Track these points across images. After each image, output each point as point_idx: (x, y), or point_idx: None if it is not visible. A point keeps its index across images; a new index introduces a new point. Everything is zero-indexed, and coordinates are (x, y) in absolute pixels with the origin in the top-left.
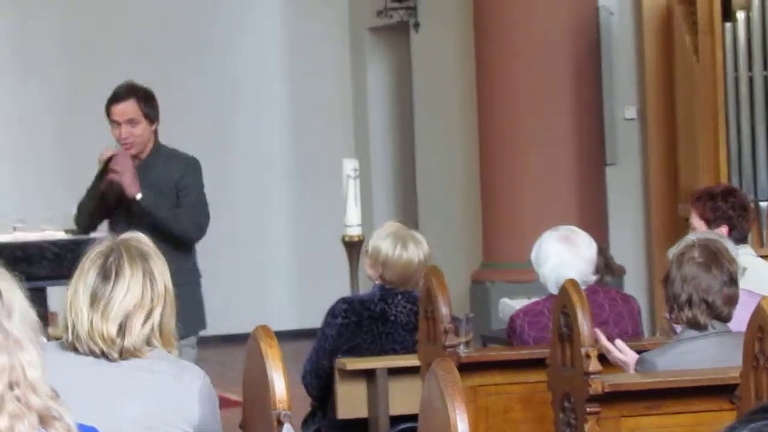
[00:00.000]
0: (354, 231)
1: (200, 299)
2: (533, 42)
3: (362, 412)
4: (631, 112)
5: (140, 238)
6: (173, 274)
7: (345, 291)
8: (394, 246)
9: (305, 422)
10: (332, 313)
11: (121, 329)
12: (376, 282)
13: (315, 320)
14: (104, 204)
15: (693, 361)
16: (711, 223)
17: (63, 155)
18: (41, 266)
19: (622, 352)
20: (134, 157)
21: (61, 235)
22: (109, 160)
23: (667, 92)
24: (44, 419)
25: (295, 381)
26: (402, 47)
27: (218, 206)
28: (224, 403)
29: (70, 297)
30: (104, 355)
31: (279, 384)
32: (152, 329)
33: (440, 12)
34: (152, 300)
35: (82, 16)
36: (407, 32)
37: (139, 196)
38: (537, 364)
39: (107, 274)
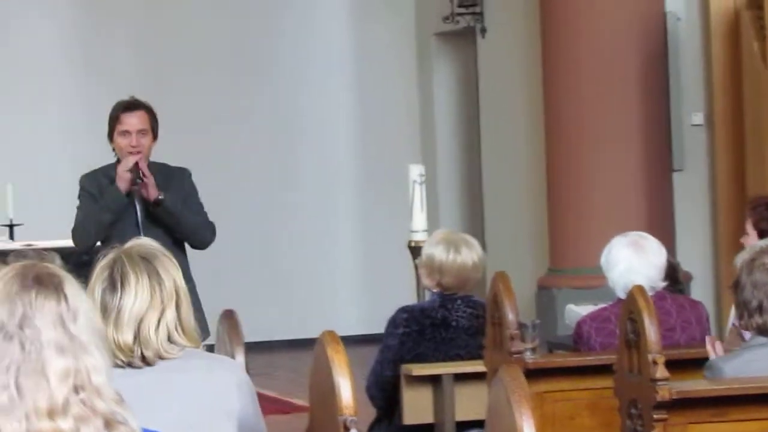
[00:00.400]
0: (420, 236)
1: (200, 306)
2: (600, 47)
3: (428, 418)
4: (699, 117)
5: (142, 242)
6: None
7: (411, 296)
8: (447, 251)
9: (371, 428)
10: (393, 324)
11: (137, 336)
12: (434, 290)
13: (381, 325)
14: (120, 214)
15: (761, 369)
16: (764, 233)
17: None
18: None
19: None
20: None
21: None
22: (135, 166)
23: (734, 98)
24: (109, 423)
25: (361, 386)
26: (468, 52)
27: (284, 212)
28: (295, 409)
29: None
30: (129, 365)
31: (345, 390)
32: (169, 328)
33: (507, 17)
34: (162, 300)
35: (156, 24)
36: (474, 37)
37: (161, 196)
38: (603, 370)
39: (113, 284)
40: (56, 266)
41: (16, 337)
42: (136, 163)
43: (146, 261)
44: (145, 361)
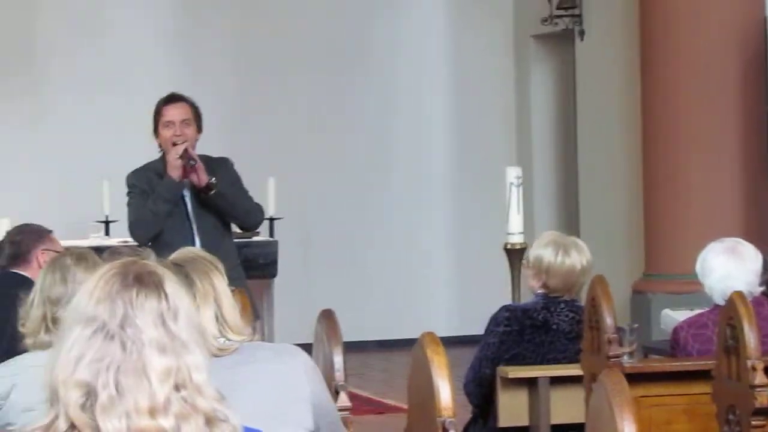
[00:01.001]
0: (516, 239)
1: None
2: (699, 51)
3: (523, 421)
4: None
5: (182, 250)
6: (230, 269)
7: (506, 298)
8: (556, 253)
9: (466, 429)
10: (494, 322)
11: None
12: (539, 291)
13: (476, 327)
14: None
15: None
16: None
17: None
18: None
19: None
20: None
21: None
22: (185, 152)
23: None
24: (210, 421)
25: (456, 388)
26: (566, 55)
27: (380, 212)
28: (389, 409)
29: None
30: None
31: (444, 391)
32: (210, 329)
33: (605, 20)
34: (195, 301)
35: (255, 26)
36: (572, 40)
37: (213, 180)
38: (701, 375)
39: None
40: (155, 263)
41: (117, 337)
42: (186, 150)
43: (179, 266)
44: None
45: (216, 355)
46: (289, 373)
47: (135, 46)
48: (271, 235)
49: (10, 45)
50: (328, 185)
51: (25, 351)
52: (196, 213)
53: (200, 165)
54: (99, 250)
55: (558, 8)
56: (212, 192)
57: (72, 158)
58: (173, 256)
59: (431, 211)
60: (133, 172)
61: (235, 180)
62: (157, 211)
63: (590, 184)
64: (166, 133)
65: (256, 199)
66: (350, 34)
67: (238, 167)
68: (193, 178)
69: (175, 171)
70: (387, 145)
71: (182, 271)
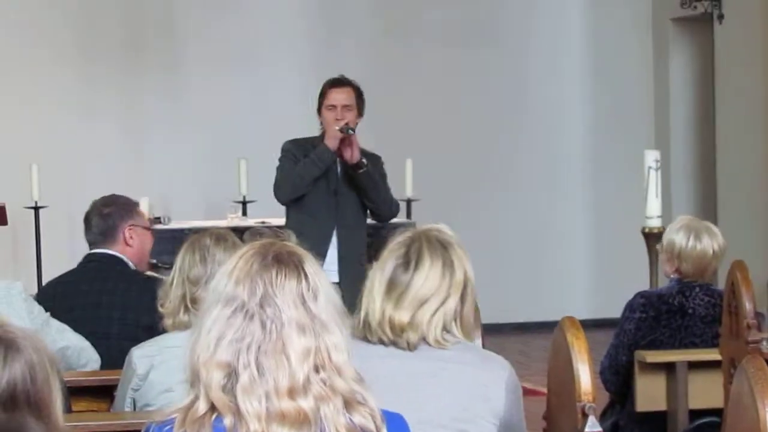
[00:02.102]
0: (654, 222)
1: None
2: None
3: (661, 405)
4: None
5: (441, 228)
6: (358, 254)
7: (644, 282)
8: (688, 237)
9: (603, 413)
10: (630, 308)
11: (413, 319)
12: (673, 276)
13: (614, 310)
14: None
15: None
16: None
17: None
18: None
19: None
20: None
21: None
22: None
23: None
24: (349, 403)
25: (595, 372)
26: (705, 38)
27: (517, 193)
28: (526, 393)
29: (368, 286)
30: (393, 344)
31: (585, 376)
32: (446, 318)
33: (745, 3)
34: (449, 288)
35: (393, 4)
36: (711, 23)
37: (364, 160)
38: None
39: (407, 263)
40: (295, 244)
41: (257, 316)
42: (347, 123)
43: (443, 248)
44: (409, 345)
45: (430, 345)
46: (489, 385)
47: (273, 22)
48: (408, 216)
49: (146, 20)
50: (465, 166)
51: (164, 331)
52: (342, 190)
53: (356, 139)
54: (238, 230)
55: None
56: (361, 171)
57: (209, 137)
58: (434, 231)
59: (568, 194)
60: (291, 140)
61: (383, 175)
62: (305, 174)
63: (728, 168)
64: (328, 115)
65: (395, 180)
66: (486, 12)
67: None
68: (347, 153)
69: (332, 141)
70: (523, 126)
71: (445, 252)
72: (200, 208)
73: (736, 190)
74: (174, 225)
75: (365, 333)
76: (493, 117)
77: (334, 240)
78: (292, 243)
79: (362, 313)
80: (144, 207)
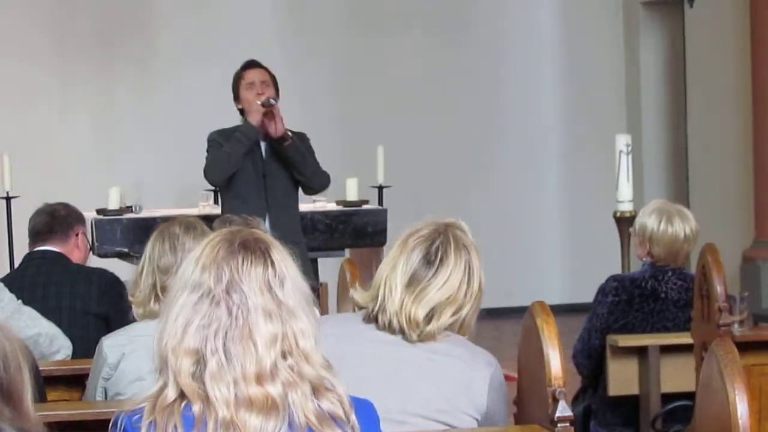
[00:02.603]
0: (626, 207)
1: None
2: None
3: (633, 390)
4: None
5: (463, 227)
6: (293, 233)
7: (616, 266)
8: (659, 221)
9: (576, 398)
10: (603, 292)
11: (429, 316)
12: (645, 260)
13: (586, 295)
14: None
15: None
16: None
17: (342, 135)
18: (313, 238)
19: None
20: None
21: (332, 206)
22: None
23: None
24: (317, 389)
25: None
26: (676, 22)
27: (490, 179)
28: None
29: (387, 270)
30: (402, 333)
31: (555, 361)
32: (455, 321)
33: None
34: (466, 296)
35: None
36: (681, 7)
37: (289, 132)
38: None
39: (431, 259)
40: (263, 232)
41: (224, 302)
42: (267, 97)
43: (466, 250)
44: (419, 339)
45: (422, 340)
46: (474, 379)
47: (243, 15)
48: (380, 203)
49: (119, 12)
50: (437, 152)
51: (134, 320)
52: (269, 171)
53: (278, 111)
54: (208, 219)
55: None
56: (287, 143)
57: (180, 127)
58: (460, 231)
59: (541, 178)
60: (215, 131)
61: (310, 150)
62: (232, 152)
63: (700, 152)
64: (248, 93)
65: (367, 167)
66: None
67: (347, 133)
68: (271, 127)
69: (255, 115)
70: (496, 110)
71: (468, 257)
72: (171, 197)
73: (708, 174)
74: (145, 214)
75: (379, 314)
76: (466, 102)
77: (266, 222)
78: (261, 230)
79: (380, 296)
80: (115, 196)
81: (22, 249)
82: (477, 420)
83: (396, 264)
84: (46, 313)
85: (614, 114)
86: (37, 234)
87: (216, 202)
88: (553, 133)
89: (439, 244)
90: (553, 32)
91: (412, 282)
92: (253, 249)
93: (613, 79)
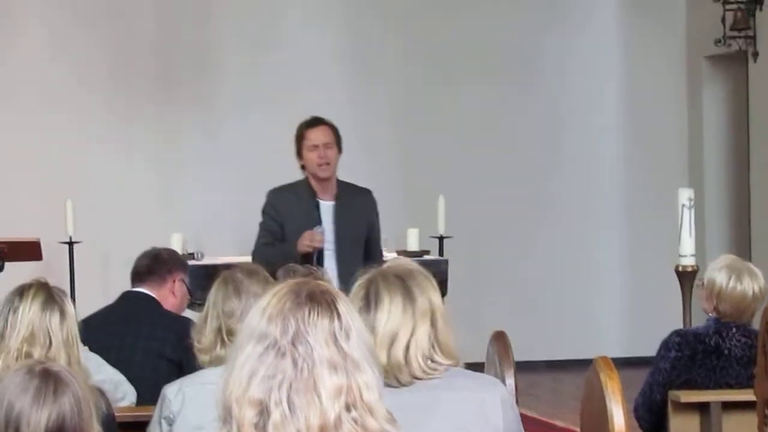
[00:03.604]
0: (688, 261)
1: None
2: None
3: None
4: None
5: (400, 261)
6: None
7: (677, 320)
8: (729, 278)
9: None
10: (666, 346)
11: (390, 356)
12: (711, 315)
13: (646, 349)
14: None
15: None
16: None
17: (403, 184)
18: None
19: None
20: (325, 180)
21: (392, 256)
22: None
23: None
24: None
25: (628, 410)
26: (740, 76)
27: (551, 230)
28: (557, 431)
29: None
30: (386, 384)
31: (618, 416)
32: (422, 347)
33: None
34: (413, 318)
35: (426, 41)
36: (746, 61)
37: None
38: None
39: (368, 303)
40: (328, 283)
41: (289, 354)
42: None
43: (400, 280)
44: (400, 382)
45: (420, 378)
46: (485, 403)
47: (307, 62)
48: (441, 253)
49: (182, 56)
50: (499, 203)
51: (199, 368)
52: (337, 227)
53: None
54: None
55: (731, 29)
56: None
57: (241, 173)
58: (390, 265)
59: (602, 231)
60: (275, 190)
61: (374, 225)
62: (272, 262)
63: (762, 207)
64: (311, 155)
65: (427, 217)
66: (523, 50)
67: (409, 183)
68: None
69: (302, 248)
70: (557, 162)
71: (403, 284)
72: (232, 244)
73: None
74: (207, 261)
75: None
76: (528, 153)
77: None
78: (325, 281)
79: None
80: (177, 243)
81: (83, 293)
82: None
83: None
84: (122, 349)
85: (677, 167)
86: (136, 275)
87: None
88: (615, 185)
89: (372, 288)
90: (617, 85)
91: None
92: (320, 301)
93: (675, 132)
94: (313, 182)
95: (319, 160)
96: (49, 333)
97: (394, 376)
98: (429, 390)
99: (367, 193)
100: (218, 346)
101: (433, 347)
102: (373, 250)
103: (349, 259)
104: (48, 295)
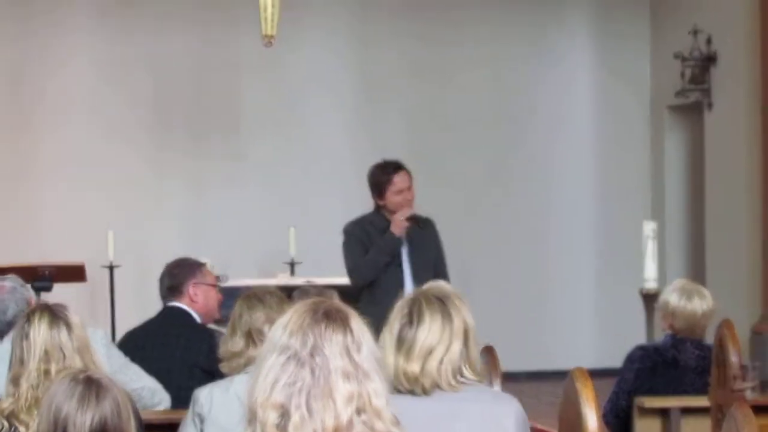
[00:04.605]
0: (651, 284)
1: None
2: None
3: None
4: None
5: (438, 285)
6: None
7: (641, 336)
8: (680, 298)
9: None
10: (630, 359)
11: (423, 369)
12: (667, 331)
13: (614, 360)
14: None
15: None
16: None
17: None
18: None
19: None
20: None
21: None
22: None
23: None
24: None
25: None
26: (697, 123)
27: (538, 257)
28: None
29: (380, 345)
30: (410, 392)
31: (592, 421)
32: (453, 362)
33: (732, 93)
34: (450, 336)
35: (422, 96)
36: (702, 110)
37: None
38: None
39: (411, 320)
40: (340, 302)
41: (308, 364)
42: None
43: (440, 301)
44: (425, 391)
45: (444, 390)
46: (501, 417)
47: (323, 126)
48: None
49: (216, 108)
50: (490, 234)
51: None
52: (410, 261)
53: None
54: (287, 289)
55: (689, 83)
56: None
57: (265, 210)
58: (430, 288)
59: (577, 258)
60: (352, 222)
61: (439, 244)
62: (377, 262)
63: (716, 238)
64: (397, 198)
65: None
66: (509, 97)
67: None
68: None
69: (399, 229)
70: (536, 196)
71: (442, 305)
72: (255, 268)
73: (723, 257)
74: (231, 283)
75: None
76: (518, 195)
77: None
78: (336, 300)
79: None
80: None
81: (122, 311)
82: None
83: (384, 339)
84: (160, 359)
85: (642, 202)
86: (162, 297)
87: (292, 273)
88: (588, 218)
89: (416, 307)
90: (590, 130)
91: (400, 345)
92: (335, 318)
93: (641, 172)
94: (387, 215)
95: (405, 203)
96: (60, 347)
97: (421, 385)
98: (454, 401)
99: (430, 222)
100: (249, 348)
101: (463, 364)
102: (442, 272)
103: (424, 280)
104: (52, 314)
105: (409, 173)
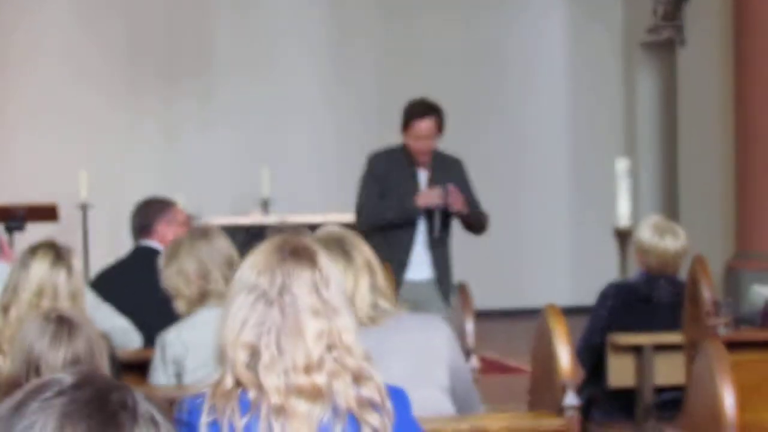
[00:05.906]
0: (624, 222)
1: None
2: None
3: (630, 382)
4: None
5: (330, 228)
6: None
7: (615, 273)
8: (653, 236)
9: (579, 389)
10: (604, 296)
11: None
12: (641, 268)
13: (588, 298)
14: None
15: None
16: None
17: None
18: None
19: None
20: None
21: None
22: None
23: None
24: (358, 378)
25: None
26: (669, 60)
27: (512, 196)
28: (510, 369)
29: None
30: None
31: (565, 357)
32: (365, 296)
33: (705, 30)
34: (355, 274)
35: (393, 41)
36: (674, 47)
37: (465, 213)
38: None
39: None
40: (309, 239)
41: (276, 303)
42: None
43: (337, 241)
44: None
45: (366, 325)
46: (431, 341)
47: (295, 67)
48: None
49: (188, 51)
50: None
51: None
52: (440, 227)
53: (456, 192)
54: (260, 227)
55: (662, 19)
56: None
57: (238, 149)
58: (324, 233)
59: (552, 197)
60: (375, 154)
61: (468, 188)
62: (383, 219)
63: (689, 174)
64: (414, 144)
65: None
66: (481, 36)
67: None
68: (451, 200)
69: (424, 202)
70: (515, 140)
71: (340, 245)
72: (228, 206)
73: (696, 193)
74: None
75: None
76: (482, 126)
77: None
78: (307, 238)
79: None
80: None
81: (96, 251)
82: (446, 372)
83: None
84: (132, 298)
85: (615, 140)
86: (134, 232)
87: (266, 212)
88: (562, 157)
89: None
90: (562, 68)
91: None
92: (302, 255)
93: (614, 110)
94: (411, 152)
95: (420, 151)
96: (55, 288)
97: None
98: (381, 333)
99: (458, 163)
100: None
101: (375, 294)
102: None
103: (439, 245)
104: (56, 254)
105: (436, 122)
